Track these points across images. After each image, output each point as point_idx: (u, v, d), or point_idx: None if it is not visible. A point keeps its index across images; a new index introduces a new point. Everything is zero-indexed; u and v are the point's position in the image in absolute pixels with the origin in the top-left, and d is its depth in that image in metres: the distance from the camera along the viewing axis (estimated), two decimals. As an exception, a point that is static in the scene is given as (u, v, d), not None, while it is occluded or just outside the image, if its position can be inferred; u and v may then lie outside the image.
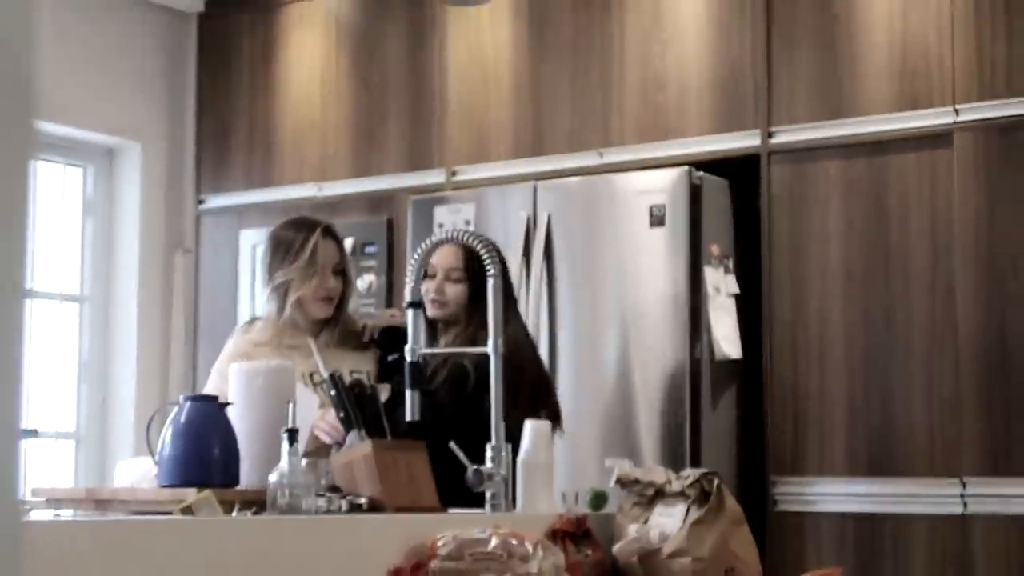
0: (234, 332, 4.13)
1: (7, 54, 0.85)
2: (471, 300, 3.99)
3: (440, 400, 3.86)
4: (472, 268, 3.97)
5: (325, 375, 3.75)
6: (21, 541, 0.88)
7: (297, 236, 4.01)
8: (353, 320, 4.16)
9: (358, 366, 4.00)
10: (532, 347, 4.18)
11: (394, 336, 3.97)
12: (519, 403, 3.73)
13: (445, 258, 4.05)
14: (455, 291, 4.02)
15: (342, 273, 4.09)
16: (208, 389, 3.91)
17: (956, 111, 4.81)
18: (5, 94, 0.84)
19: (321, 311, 4.03)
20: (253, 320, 4.16)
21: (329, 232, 4.08)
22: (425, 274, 4.03)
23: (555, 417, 4.00)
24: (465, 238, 3.87)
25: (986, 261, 4.70)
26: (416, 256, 3.75)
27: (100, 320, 6.51)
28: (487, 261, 3.62)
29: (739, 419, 5.09)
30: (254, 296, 6.28)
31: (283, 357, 3.86)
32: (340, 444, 3.51)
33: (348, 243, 5.80)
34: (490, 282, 3.63)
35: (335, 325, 4.07)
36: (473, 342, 3.88)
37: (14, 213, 0.86)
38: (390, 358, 3.97)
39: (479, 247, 3.67)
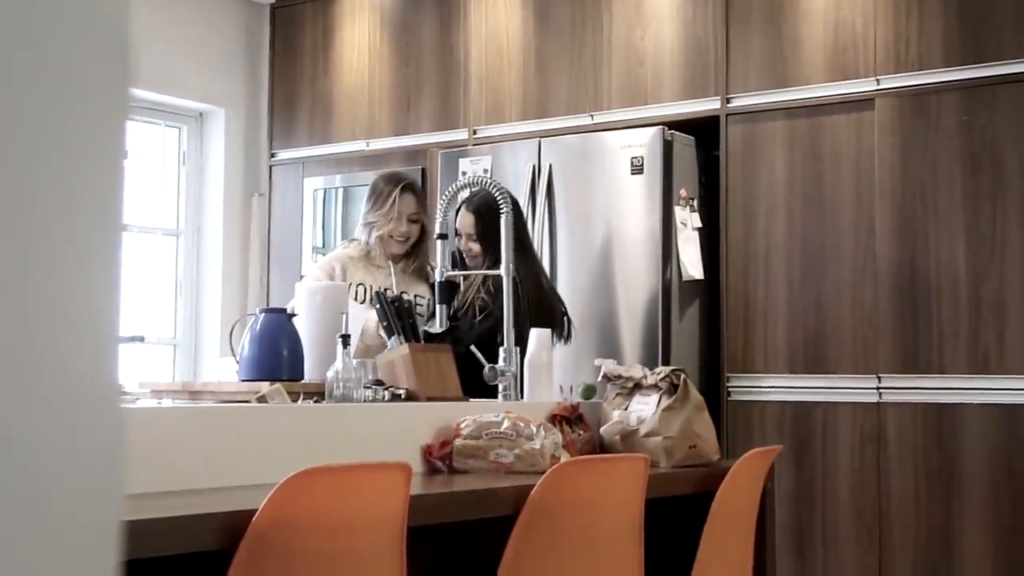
0: (336, 245, 4.14)
1: (111, 29, 0.83)
2: (485, 252, 3.96)
3: (468, 320, 3.86)
4: (482, 229, 3.97)
5: (396, 291, 3.76)
6: (122, 423, 0.87)
7: (386, 187, 4.07)
8: (426, 258, 4.15)
9: (423, 293, 4.02)
10: (536, 280, 4.05)
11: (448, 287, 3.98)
12: (532, 321, 3.72)
13: (466, 225, 4.03)
14: (478, 247, 4.00)
15: (418, 221, 4.09)
16: (308, 279, 4.08)
17: (878, 81, 4.71)
18: (109, 63, 0.83)
19: (397, 248, 4.06)
20: (353, 239, 4.16)
21: (410, 187, 4.12)
22: (456, 233, 4.04)
23: (563, 330, 4.03)
24: (486, 184, 3.84)
25: (900, 199, 4.63)
26: (445, 196, 3.72)
27: (192, 250, 6.48)
28: (500, 202, 3.59)
29: (701, 327, 5.02)
30: (315, 232, 6.25)
31: (369, 272, 4.00)
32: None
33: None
34: (503, 218, 3.60)
35: (412, 259, 4.10)
36: (483, 278, 3.93)
37: (113, 162, 0.84)
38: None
39: (495, 191, 3.64)
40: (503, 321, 3.53)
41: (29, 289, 0.77)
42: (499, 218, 3.64)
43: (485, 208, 3.97)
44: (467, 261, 4.04)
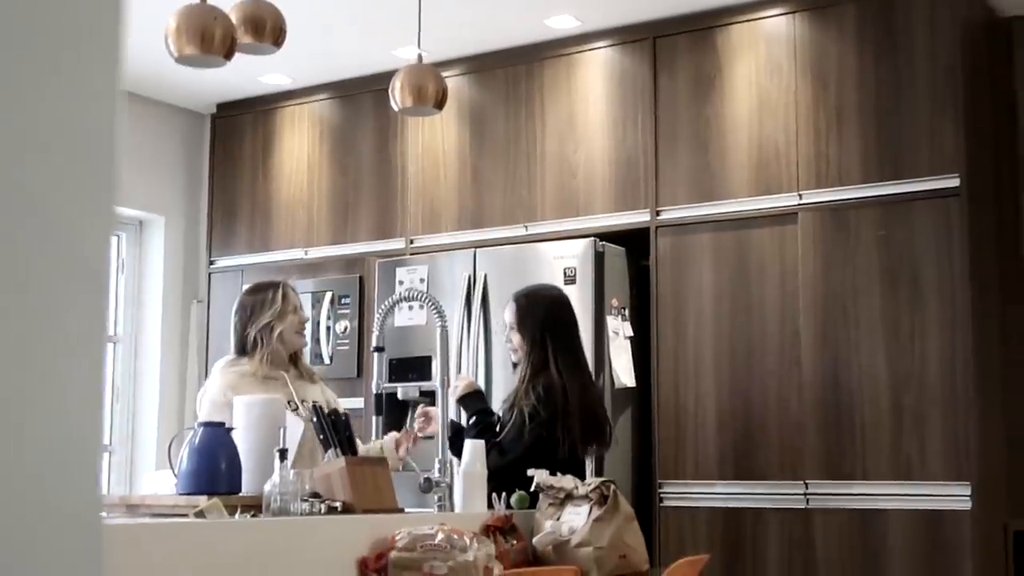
0: (217, 368, 3.98)
1: (101, 149, 0.87)
2: (526, 344, 3.96)
3: (516, 428, 3.86)
4: (521, 320, 3.97)
5: (298, 402, 3.80)
6: (101, 541, 0.90)
7: (267, 291, 3.98)
8: (305, 361, 4.17)
9: (317, 396, 3.98)
10: (583, 387, 3.98)
11: (472, 396, 4.02)
12: (570, 434, 3.78)
13: (506, 315, 4.05)
14: (518, 338, 4.02)
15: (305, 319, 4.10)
16: (205, 412, 3.81)
17: (800, 196, 4.89)
18: (94, 178, 0.86)
19: (300, 341, 4.01)
20: (237, 358, 3.96)
21: (287, 285, 4.08)
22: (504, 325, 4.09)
23: (603, 443, 4.05)
24: (423, 299, 3.93)
25: (823, 310, 4.78)
26: (380, 312, 3.81)
27: (130, 356, 6.49)
28: (436, 317, 3.69)
29: (634, 433, 5.11)
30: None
31: (264, 386, 3.82)
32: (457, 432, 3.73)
33: (327, 296, 5.87)
34: (438, 332, 3.70)
35: (298, 362, 4.06)
36: (528, 380, 3.89)
37: (100, 276, 0.87)
38: (472, 420, 3.97)
39: (431, 307, 3.74)
40: (558, 429, 3.62)
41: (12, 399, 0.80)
42: (539, 309, 3.72)
43: (523, 297, 4.01)
44: (511, 355, 4.04)
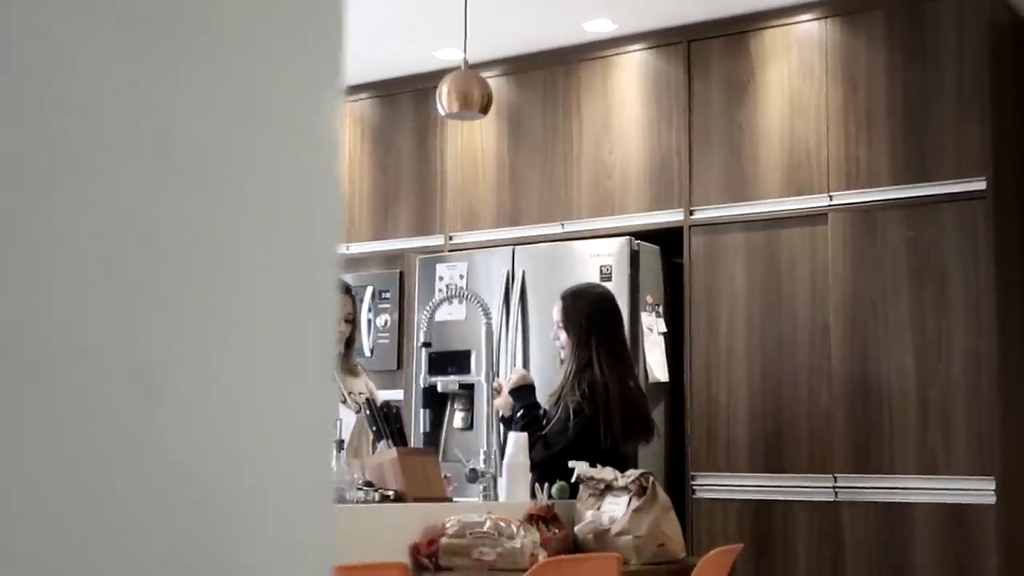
0: None
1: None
2: (572, 342, 4.15)
3: (561, 422, 4.02)
4: (567, 318, 4.16)
5: (345, 393, 3.97)
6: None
7: None
8: (353, 355, 4.36)
9: (361, 388, 4.20)
10: (622, 383, 4.15)
11: (524, 390, 4.17)
12: (611, 429, 3.96)
13: (555, 312, 4.25)
14: (564, 335, 4.20)
15: (352, 320, 4.31)
16: None
17: (830, 197, 5.01)
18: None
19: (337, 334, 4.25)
20: None
21: (342, 289, 4.30)
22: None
23: (647, 438, 4.24)
24: (468, 297, 4.10)
25: (851, 308, 4.91)
26: (428, 309, 3.97)
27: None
28: (481, 314, 3.86)
29: (667, 427, 5.23)
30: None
31: None
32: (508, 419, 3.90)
33: (368, 290, 6.02)
34: (483, 328, 3.86)
35: (347, 358, 4.27)
36: (574, 376, 4.08)
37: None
38: (520, 412, 4.10)
39: (476, 305, 3.90)
40: (600, 424, 3.78)
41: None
42: (584, 307, 3.89)
43: (570, 296, 4.19)
44: (560, 352, 4.22)
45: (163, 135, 0.71)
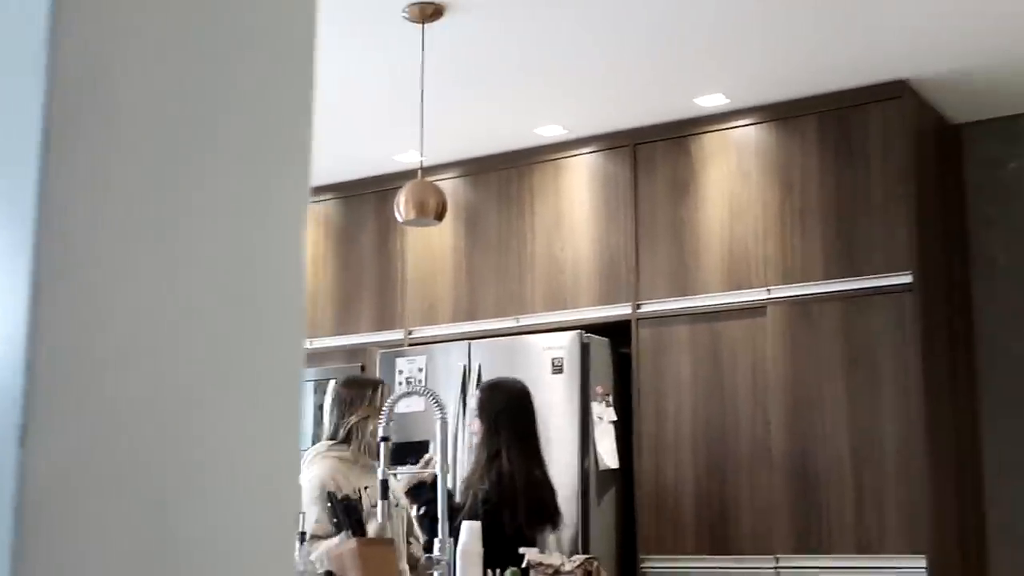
0: (315, 452, 4.25)
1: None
2: (484, 432, 4.39)
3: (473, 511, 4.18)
4: (482, 409, 4.41)
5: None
6: None
7: (366, 388, 4.32)
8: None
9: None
10: (528, 473, 4.35)
11: (418, 488, 4.32)
12: (514, 518, 4.18)
13: (472, 403, 4.54)
14: (477, 423, 4.45)
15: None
16: (312, 493, 4.04)
17: (768, 291, 5.29)
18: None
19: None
20: (335, 444, 4.23)
21: (386, 385, 4.45)
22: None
23: (552, 525, 4.45)
24: (424, 392, 4.32)
25: (790, 396, 5.16)
26: (387, 405, 4.19)
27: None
28: (436, 408, 4.08)
29: (617, 512, 5.45)
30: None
31: (363, 473, 4.14)
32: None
33: (331, 384, 6.22)
34: (438, 424, 4.08)
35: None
36: (483, 465, 4.31)
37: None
38: (421, 510, 4.26)
39: (431, 400, 4.13)
40: (505, 512, 4.02)
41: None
42: (499, 400, 4.14)
43: (487, 388, 4.46)
44: (472, 439, 4.45)
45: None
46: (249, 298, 0.90)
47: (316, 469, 4.18)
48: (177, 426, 0.84)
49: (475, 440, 4.48)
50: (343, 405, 4.30)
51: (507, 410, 4.42)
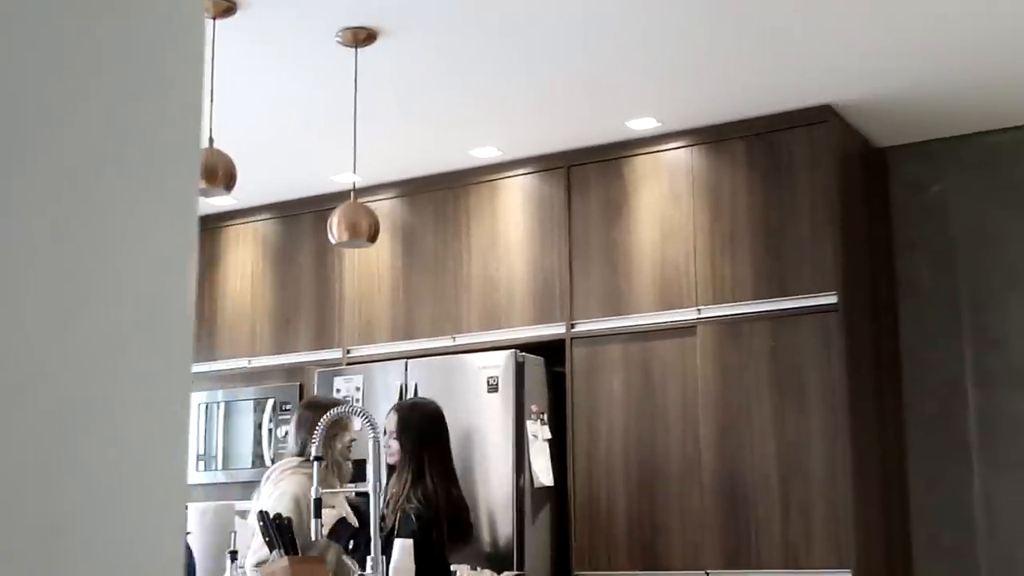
0: (282, 467, 4.37)
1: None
2: (405, 452, 4.52)
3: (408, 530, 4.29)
4: (402, 429, 4.54)
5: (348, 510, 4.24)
6: None
7: (329, 410, 4.22)
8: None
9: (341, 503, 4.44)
10: (447, 491, 4.51)
11: (338, 530, 4.30)
12: (439, 535, 4.28)
13: (389, 423, 4.61)
14: (396, 445, 4.55)
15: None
16: (287, 505, 4.14)
17: (699, 310, 5.39)
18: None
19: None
20: (304, 461, 4.31)
21: (346, 404, 4.60)
22: (384, 431, 4.56)
23: (466, 543, 4.57)
24: (359, 413, 4.37)
25: (720, 413, 5.26)
26: (322, 423, 4.24)
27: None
28: (370, 429, 4.14)
29: (552, 528, 5.51)
30: (197, 442, 6.63)
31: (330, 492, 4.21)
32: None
33: (269, 403, 6.27)
34: (370, 443, 4.13)
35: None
36: (409, 485, 4.43)
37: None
38: (351, 547, 4.25)
39: (365, 420, 4.18)
40: (433, 529, 4.10)
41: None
42: (418, 421, 4.24)
43: (407, 408, 4.59)
44: (387, 458, 4.54)
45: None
46: (131, 313, 0.85)
47: (287, 484, 4.28)
48: (53, 444, 0.78)
49: (391, 459, 4.57)
50: (309, 425, 4.38)
51: (427, 431, 4.55)
